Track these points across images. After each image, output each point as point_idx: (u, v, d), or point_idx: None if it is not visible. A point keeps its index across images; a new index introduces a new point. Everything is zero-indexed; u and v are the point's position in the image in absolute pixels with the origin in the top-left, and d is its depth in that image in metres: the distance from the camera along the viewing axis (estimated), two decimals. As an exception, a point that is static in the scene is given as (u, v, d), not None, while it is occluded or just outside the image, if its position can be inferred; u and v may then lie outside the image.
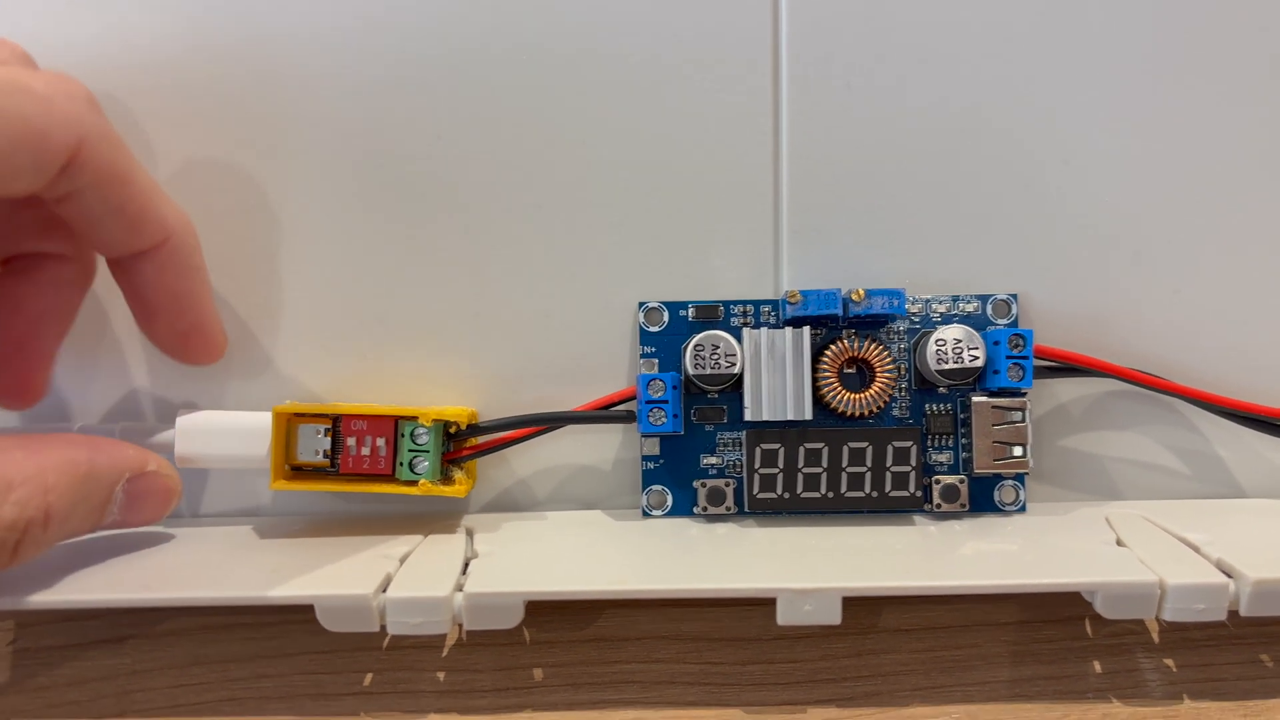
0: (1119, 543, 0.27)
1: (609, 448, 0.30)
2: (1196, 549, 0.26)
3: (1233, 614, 0.24)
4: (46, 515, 0.23)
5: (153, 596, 0.25)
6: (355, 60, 0.29)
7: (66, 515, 0.24)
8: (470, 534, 0.28)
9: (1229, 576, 0.25)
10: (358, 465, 0.27)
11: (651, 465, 0.29)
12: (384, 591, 0.25)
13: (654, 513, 0.29)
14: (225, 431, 0.28)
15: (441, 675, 0.28)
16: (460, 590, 0.25)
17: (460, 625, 0.26)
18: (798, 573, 0.25)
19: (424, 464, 0.27)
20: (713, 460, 0.29)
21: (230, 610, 0.28)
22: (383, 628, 0.24)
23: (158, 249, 0.26)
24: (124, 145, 0.25)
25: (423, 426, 0.27)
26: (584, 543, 0.28)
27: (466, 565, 0.26)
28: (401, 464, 0.27)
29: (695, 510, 0.29)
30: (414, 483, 0.27)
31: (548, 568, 0.26)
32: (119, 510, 0.25)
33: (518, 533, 0.29)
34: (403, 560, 0.26)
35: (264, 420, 0.27)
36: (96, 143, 0.24)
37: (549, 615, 0.28)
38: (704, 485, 0.29)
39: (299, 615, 0.25)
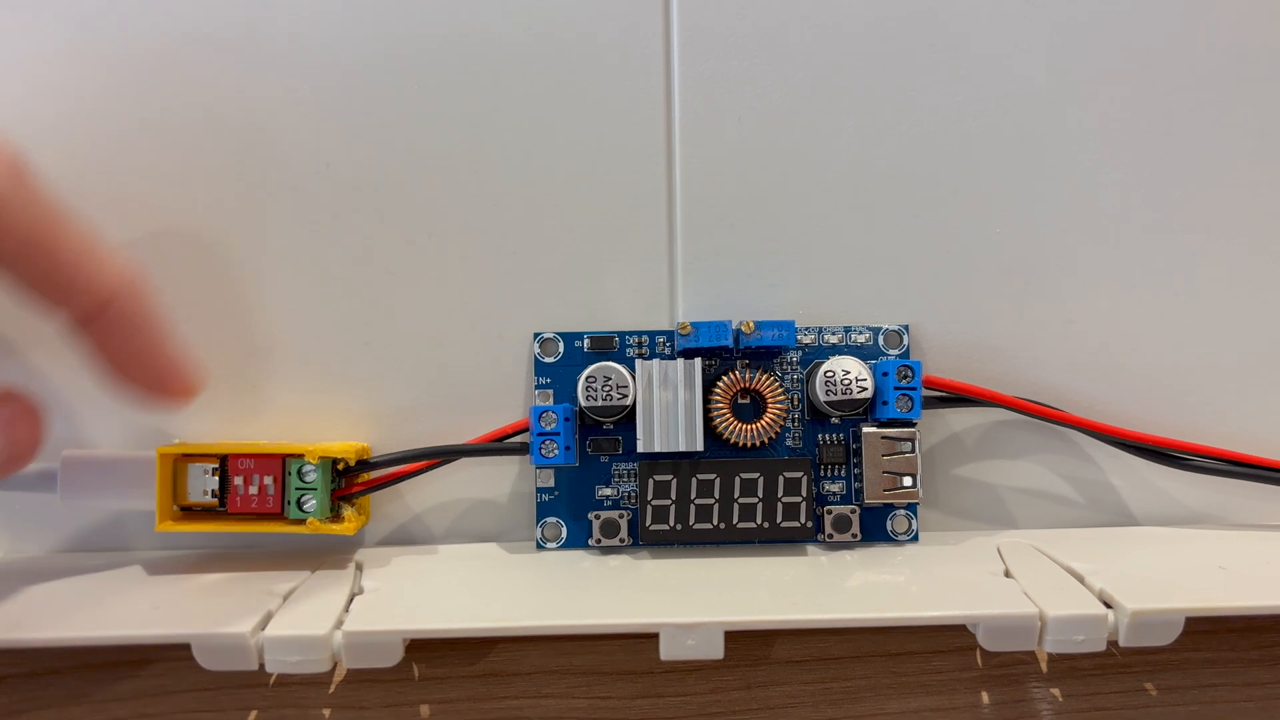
0: (1007, 573, 0.27)
1: (505, 479, 0.30)
2: (1081, 579, 0.26)
3: (1116, 641, 0.24)
4: None
5: (21, 637, 0.24)
6: (240, 89, 0.29)
7: None
8: (359, 568, 0.28)
9: (1109, 607, 0.25)
10: (246, 504, 0.27)
11: (546, 497, 0.29)
12: (263, 629, 0.24)
13: (549, 545, 0.29)
14: (111, 471, 0.28)
15: (328, 712, 0.27)
16: (340, 628, 0.25)
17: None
18: (683, 607, 0.25)
19: (312, 502, 0.27)
20: (608, 492, 0.29)
21: (113, 647, 0.28)
22: (263, 665, 0.24)
23: (100, 314, 0.24)
24: (50, 212, 0.23)
25: (310, 464, 0.27)
26: (474, 577, 0.28)
27: (351, 601, 0.26)
28: (289, 502, 0.27)
29: (590, 542, 0.29)
30: (302, 521, 0.27)
31: (433, 604, 0.26)
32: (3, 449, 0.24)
33: (408, 567, 0.28)
34: (287, 597, 0.26)
35: (151, 459, 0.27)
36: (13, 212, 0.22)
37: (438, 650, 0.28)
38: (598, 517, 0.29)
39: (182, 652, 0.25)
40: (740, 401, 0.29)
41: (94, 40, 0.29)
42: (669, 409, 0.28)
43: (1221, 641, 0.28)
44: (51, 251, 0.23)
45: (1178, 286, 0.30)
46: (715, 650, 0.24)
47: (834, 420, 0.29)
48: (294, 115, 0.29)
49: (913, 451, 0.28)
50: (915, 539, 0.29)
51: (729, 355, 0.29)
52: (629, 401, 0.28)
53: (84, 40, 0.29)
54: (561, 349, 0.29)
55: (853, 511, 0.29)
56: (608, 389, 0.28)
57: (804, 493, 0.28)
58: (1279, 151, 0.30)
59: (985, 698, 0.28)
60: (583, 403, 0.28)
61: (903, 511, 0.29)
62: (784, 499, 0.28)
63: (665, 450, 0.28)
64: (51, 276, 0.23)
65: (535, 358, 0.29)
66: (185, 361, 0.26)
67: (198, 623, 0.25)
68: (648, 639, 0.27)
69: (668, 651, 0.24)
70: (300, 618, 0.25)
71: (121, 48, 0.29)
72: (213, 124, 0.29)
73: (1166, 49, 0.30)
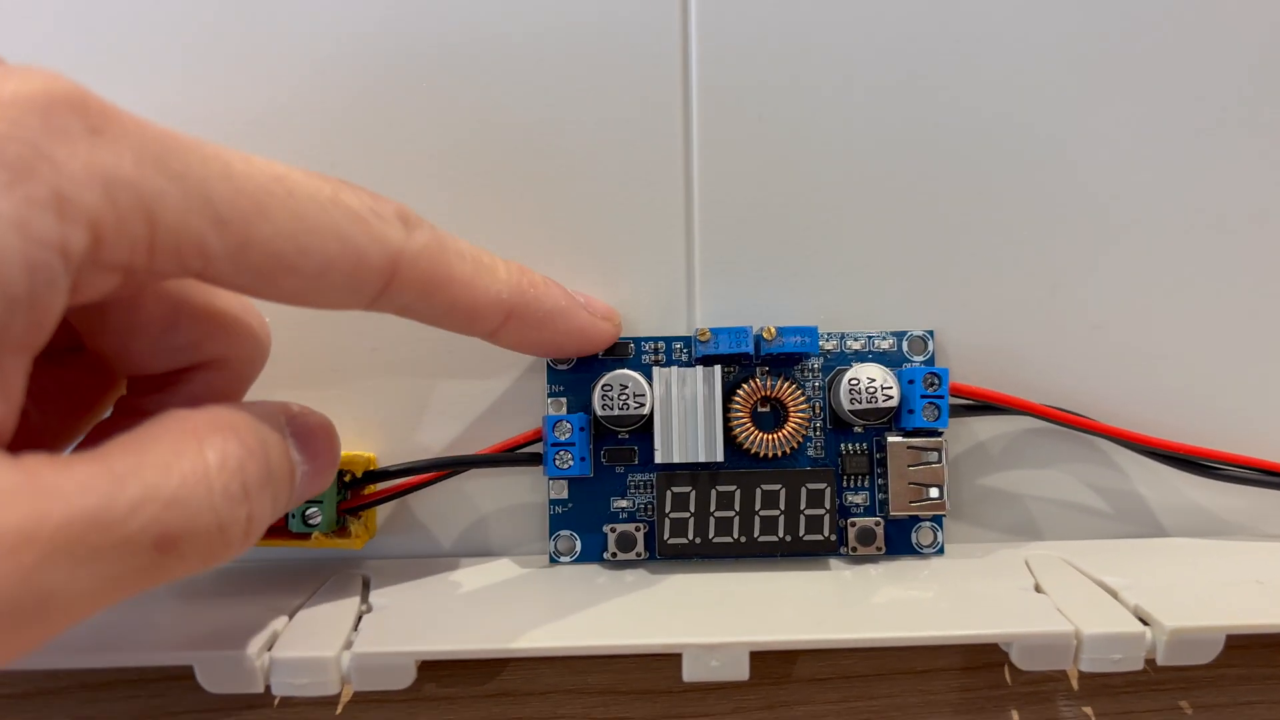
0: (1037, 588, 0.26)
1: (517, 491, 0.29)
2: (1115, 594, 0.25)
3: (1153, 660, 0.23)
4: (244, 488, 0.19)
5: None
6: (241, 87, 0.28)
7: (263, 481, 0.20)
8: (367, 584, 0.27)
9: (1146, 624, 0.24)
10: (249, 515, 0.26)
11: (559, 509, 0.28)
12: (269, 650, 0.23)
13: (562, 559, 0.28)
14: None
15: (335, 734, 0.26)
16: (349, 649, 0.24)
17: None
18: (705, 626, 0.24)
19: (318, 515, 0.26)
20: (623, 503, 0.28)
21: (111, 667, 0.27)
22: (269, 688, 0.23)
23: (504, 324, 0.24)
24: (440, 257, 0.23)
25: (316, 475, 0.26)
26: (486, 594, 0.27)
27: (360, 620, 0.25)
28: (294, 515, 0.26)
29: (605, 556, 0.28)
30: (307, 535, 0.26)
31: (445, 622, 0.25)
32: (301, 462, 0.22)
33: (417, 583, 0.27)
34: (293, 614, 0.25)
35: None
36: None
37: (449, 670, 0.27)
38: (614, 530, 0.28)
39: (184, 671, 0.24)
40: (761, 410, 0.28)
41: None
42: (687, 418, 0.27)
43: (1257, 657, 0.27)
44: (446, 289, 0.23)
45: (1208, 291, 0.29)
46: (740, 671, 0.24)
47: (857, 429, 0.28)
48: (296, 117, 0.28)
49: (939, 462, 0.27)
50: (941, 552, 0.28)
51: (749, 362, 0.28)
52: (646, 410, 0.27)
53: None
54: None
55: (877, 524, 0.28)
56: (624, 397, 0.27)
57: (827, 505, 0.27)
58: (1313, 152, 0.29)
59: (1015, 716, 0.27)
60: (598, 411, 0.27)
61: (928, 523, 0.28)
62: (806, 511, 0.27)
63: (683, 461, 0.27)
64: (451, 315, 0.23)
65: (548, 365, 0.28)
66: (596, 312, 0.27)
67: (201, 643, 0.24)
68: (666, 657, 0.27)
69: (691, 673, 0.23)
70: (307, 637, 0.24)
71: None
72: (216, 124, 0.28)
73: (1192, 52, 0.29)
